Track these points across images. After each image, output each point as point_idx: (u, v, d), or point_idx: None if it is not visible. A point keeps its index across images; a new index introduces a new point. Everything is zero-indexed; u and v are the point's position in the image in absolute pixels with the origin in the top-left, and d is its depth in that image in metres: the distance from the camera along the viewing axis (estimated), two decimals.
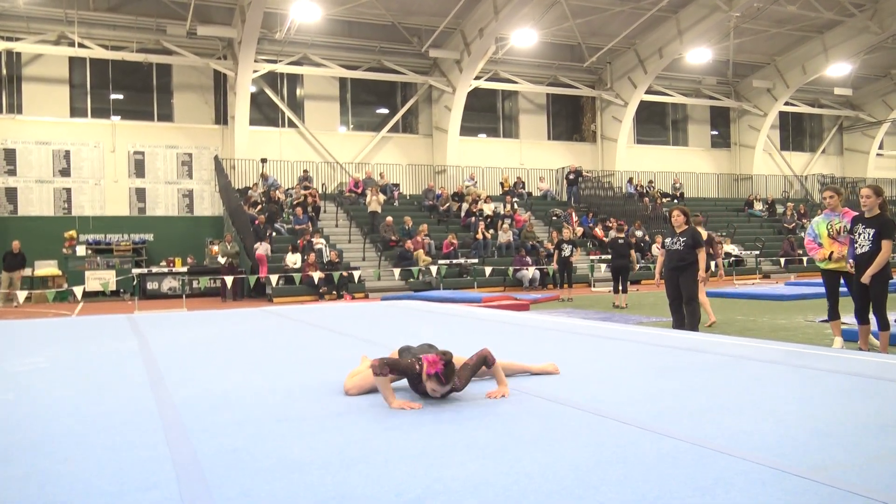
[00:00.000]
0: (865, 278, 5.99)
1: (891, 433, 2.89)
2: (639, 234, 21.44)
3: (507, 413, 3.38)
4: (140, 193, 20.91)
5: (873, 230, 6.02)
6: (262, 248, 16.99)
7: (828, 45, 25.95)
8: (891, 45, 26.90)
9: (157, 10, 20.28)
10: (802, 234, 24.05)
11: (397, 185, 23.05)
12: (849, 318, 6.97)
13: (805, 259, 22.11)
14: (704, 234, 11.87)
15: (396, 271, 17.63)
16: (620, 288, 12.76)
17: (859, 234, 6.14)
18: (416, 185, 23.87)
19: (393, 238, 19.03)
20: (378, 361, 3.54)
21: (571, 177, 24.81)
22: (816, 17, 24.15)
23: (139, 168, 20.91)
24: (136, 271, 16.50)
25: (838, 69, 26.56)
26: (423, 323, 8.06)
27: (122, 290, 17.86)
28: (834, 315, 6.71)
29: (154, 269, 18.12)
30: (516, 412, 3.40)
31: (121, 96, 21.12)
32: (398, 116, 24.11)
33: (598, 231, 21.69)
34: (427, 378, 3.53)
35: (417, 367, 3.59)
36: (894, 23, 23.91)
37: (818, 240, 6.81)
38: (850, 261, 6.25)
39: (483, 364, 3.74)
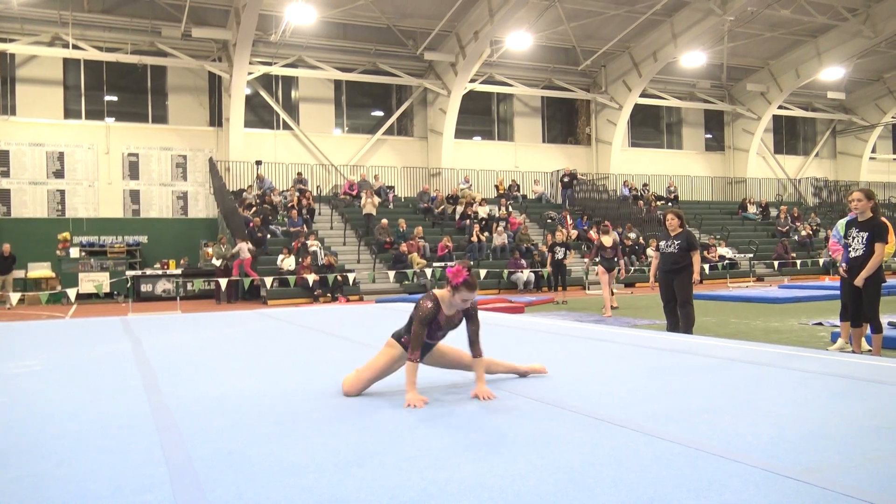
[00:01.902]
0: (858, 281, 6.01)
1: (884, 435, 2.91)
2: (632, 235, 21.48)
3: (501, 415, 3.38)
4: (134, 195, 20.85)
5: (866, 234, 6.05)
6: (245, 251, 16.62)
7: (821, 49, 26.06)
8: (883, 50, 27.02)
9: (151, 12, 20.24)
10: (795, 237, 24.18)
11: (392, 188, 23.05)
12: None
13: (798, 262, 22.23)
14: (609, 240, 12.18)
15: (391, 274, 17.63)
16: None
17: (853, 238, 6.16)
18: (410, 187, 23.86)
19: (388, 240, 19.02)
20: (411, 348, 3.73)
21: (566, 179, 24.84)
22: (810, 21, 24.26)
23: (133, 170, 20.85)
24: (129, 273, 16.42)
25: (832, 73, 26.66)
26: None
27: (115, 293, 17.79)
28: (846, 316, 6.63)
29: (148, 272, 18.04)
30: (511, 415, 3.40)
31: (115, 98, 21.06)
32: (393, 119, 24.11)
33: (593, 234, 21.70)
34: (455, 290, 3.68)
35: (430, 302, 3.72)
36: (887, 27, 24.04)
37: (842, 241, 6.80)
38: (843, 264, 6.28)
39: (473, 317, 3.84)
